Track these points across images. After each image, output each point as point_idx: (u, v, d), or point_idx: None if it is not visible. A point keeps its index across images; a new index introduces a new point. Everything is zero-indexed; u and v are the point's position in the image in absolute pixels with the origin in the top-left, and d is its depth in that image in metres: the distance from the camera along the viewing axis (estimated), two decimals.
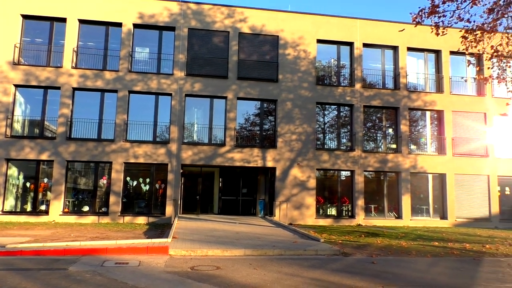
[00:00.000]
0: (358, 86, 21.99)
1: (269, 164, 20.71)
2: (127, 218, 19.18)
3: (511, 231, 19.23)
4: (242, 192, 22.77)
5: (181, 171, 20.33)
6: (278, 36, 21.67)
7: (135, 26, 20.75)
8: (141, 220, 19.24)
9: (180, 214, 20.31)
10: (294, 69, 21.56)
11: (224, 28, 21.25)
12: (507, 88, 14.07)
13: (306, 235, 14.16)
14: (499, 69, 12.90)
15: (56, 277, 7.50)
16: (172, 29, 20.94)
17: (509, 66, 13.51)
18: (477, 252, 12.06)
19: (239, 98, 21.07)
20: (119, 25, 20.58)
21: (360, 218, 20.99)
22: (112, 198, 19.30)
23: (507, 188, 23.11)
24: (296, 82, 21.47)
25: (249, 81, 21.11)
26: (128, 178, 19.92)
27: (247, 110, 21.44)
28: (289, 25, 21.82)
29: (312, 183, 20.91)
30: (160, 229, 16.12)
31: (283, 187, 20.63)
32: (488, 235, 16.95)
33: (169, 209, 19.56)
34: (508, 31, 11.92)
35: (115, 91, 20.07)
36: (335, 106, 22.19)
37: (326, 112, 22.37)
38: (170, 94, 20.49)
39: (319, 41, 22.16)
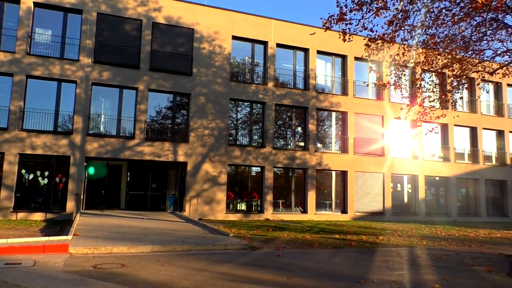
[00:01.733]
0: (270, 84, 22.60)
1: (181, 158, 20.39)
2: (21, 215, 17.52)
3: (401, 224, 21.29)
4: (152, 187, 22.11)
5: (85, 164, 19.11)
6: (193, 29, 21.37)
7: (36, 4, 18.96)
8: (38, 216, 17.72)
9: (83, 210, 19.08)
10: (208, 64, 21.45)
11: (137, 16, 20.38)
12: (402, 94, 15.51)
13: (216, 230, 14.22)
14: (395, 76, 14.16)
15: None
16: (79, 12, 19.52)
17: (404, 75, 14.89)
18: (372, 243, 13.14)
19: (150, 90, 20.39)
20: (16, 1, 18.64)
21: (269, 213, 21.65)
22: (3, 193, 17.48)
23: (398, 185, 25.56)
24: (211, 77, 21.39)
25: (162, 73, 20.53)
26: (23, 171, 18.19)
27: (159, 103, 20.84)
28: (205, 19, 21.64)
29: (224, 178, 21.05)
30: (59, 226, 15.00)
31: (194, 182, 20.46)
32: (381, 228, 18.57)
33: (70, 205, 18.29)
34: (404, 42, 13.12)
35: (10, 74, 18.17)
36: (248, 103, 22.57)
37: (239, 109, 22.65)
38: (75, 82, 19.11)
39: (234, 37, 22.32)
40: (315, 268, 8.78)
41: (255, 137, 22.72)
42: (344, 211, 23.56)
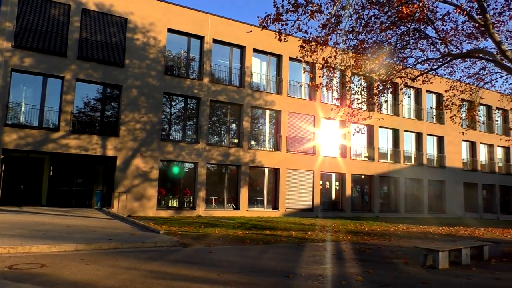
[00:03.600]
0: (206, 80, 22.41)
1: (110, 153, 19.55)
2: None
3: (329, 220, 22.18)
4: (77, 182, 20.94)
5: (2, 156, 17.63)
6: (127, 18, 20.55)
7: None
8: None
9: None
10: (142, 56, 20.76)
11: (65, 1, 19.15)
12: (333, 96, 16.15)
13: (146, 227, 13.84)
14: (328, 78, 14.66)
15: None
16: None
17: (335, 77, 15.51)
18: (301, 238, 13.56)
19: (78, 80, 19.30)
20: None
21: (201, 209, 21.50)
22: None
23: (327, 182, 26.63)
24: (144, 70, 20.73)
25: (92, 63, 19.51)
26: None
27: (88, 94, 19.81)
28: (140, 9, 20.89)
29: (155, 174, 20.53)
30: None
31: (123, 178, 19.73)
32: (310, 224, 19.22)
33: None
34: (336, 46, 13.65)
35: None
36: (183, 98, 22.21)
37: (173, 103, 22.21)
38: None
39: (170, 30, 21.81)
40: (246, 263, 8.87)
41: (189, 132, 22.42)
42: (275, 207, 24.06)
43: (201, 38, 22.75)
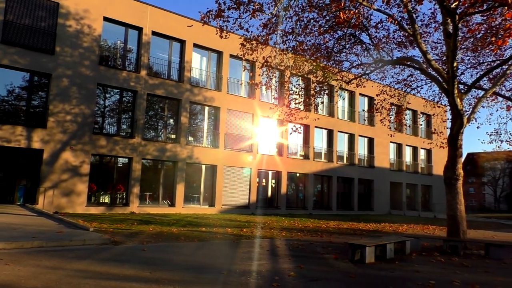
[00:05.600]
0: (143, 73, 21.74)
1: (36, 145, 18.31)
2: None
3: (264, 217, 22.53)
4: None
5: None
6: (58, 3, 19.33)
7: None
8: None
9: None
10: (75, 44, 19.65)
11: None
12: (272, 95, 16.40)
13: (74, 224, 13.17)
14: (267, 77, 14.88)
15: None
16: None
17: (275, 76, 15.76)
18: (237, 235, 13.63)
19: (1, 66, 17.85)
20: None
21: (135, 206, 20.86)
22: None
23: (264, 180, 27.02)
24: (77, 58, 19.64)
25: (18, 48, 18.13)
26: None
27: (12, 81, 18.39)
28: None
29: (86, 168, 19.57)
30: None
31: (50, 172, 18.58)
32: (246, 220, 19.39)
33: None
34: (276, 46, 13.89)
35: None
36: (118, 90, 21.37)
37: (107, 95, 21.29)
38: None
39: (106, 19, 20.86)
40: (180, 261, 8.75)
41: (124, 126, 21.63)
42: (212, 204, 23.97)
43: (139, 29, 22.01)
